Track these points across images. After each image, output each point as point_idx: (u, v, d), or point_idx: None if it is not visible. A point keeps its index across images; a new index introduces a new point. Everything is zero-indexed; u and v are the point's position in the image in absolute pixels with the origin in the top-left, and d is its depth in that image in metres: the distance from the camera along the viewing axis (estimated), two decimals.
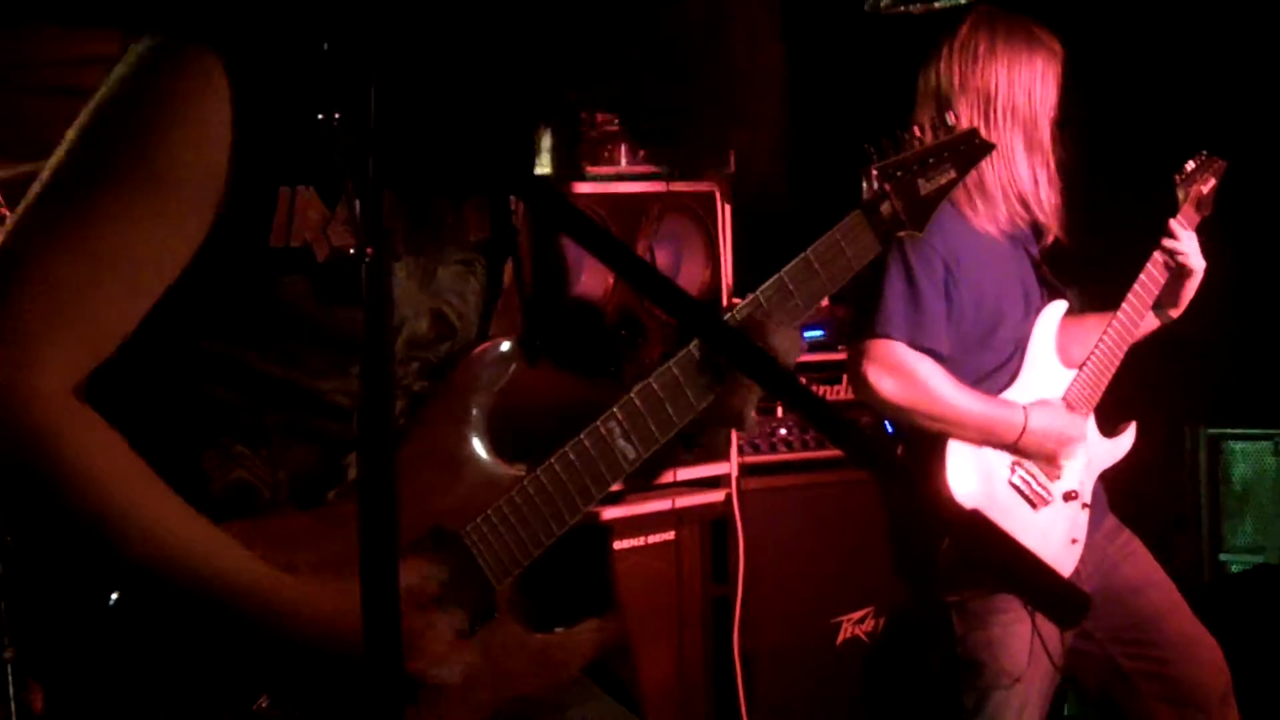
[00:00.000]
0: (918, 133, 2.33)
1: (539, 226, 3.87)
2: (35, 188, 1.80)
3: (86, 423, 1.77)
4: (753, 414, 2.14)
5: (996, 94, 3.45)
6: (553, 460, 2.02)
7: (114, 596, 1.81)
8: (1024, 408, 3.43)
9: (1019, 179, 3.48)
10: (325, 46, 1.72)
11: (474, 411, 2.04)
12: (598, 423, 2.03)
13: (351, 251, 1.89)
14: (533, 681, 2.06)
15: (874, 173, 2.24)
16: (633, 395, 2.05)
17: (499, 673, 2.02)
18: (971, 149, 2.37)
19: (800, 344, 2.10)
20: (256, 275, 1.86)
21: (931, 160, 2.31)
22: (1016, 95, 3.46)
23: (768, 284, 2.12)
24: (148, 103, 1.80)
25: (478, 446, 2.03)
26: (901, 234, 2.25)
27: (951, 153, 2.34)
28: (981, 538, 1.38)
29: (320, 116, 1.82)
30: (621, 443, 2.04)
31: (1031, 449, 3.44)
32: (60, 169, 1.80)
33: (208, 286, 1.84)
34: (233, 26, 1.82)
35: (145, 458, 1.80)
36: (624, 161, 4.20)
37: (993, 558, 1.35)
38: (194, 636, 1.82)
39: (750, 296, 2.12)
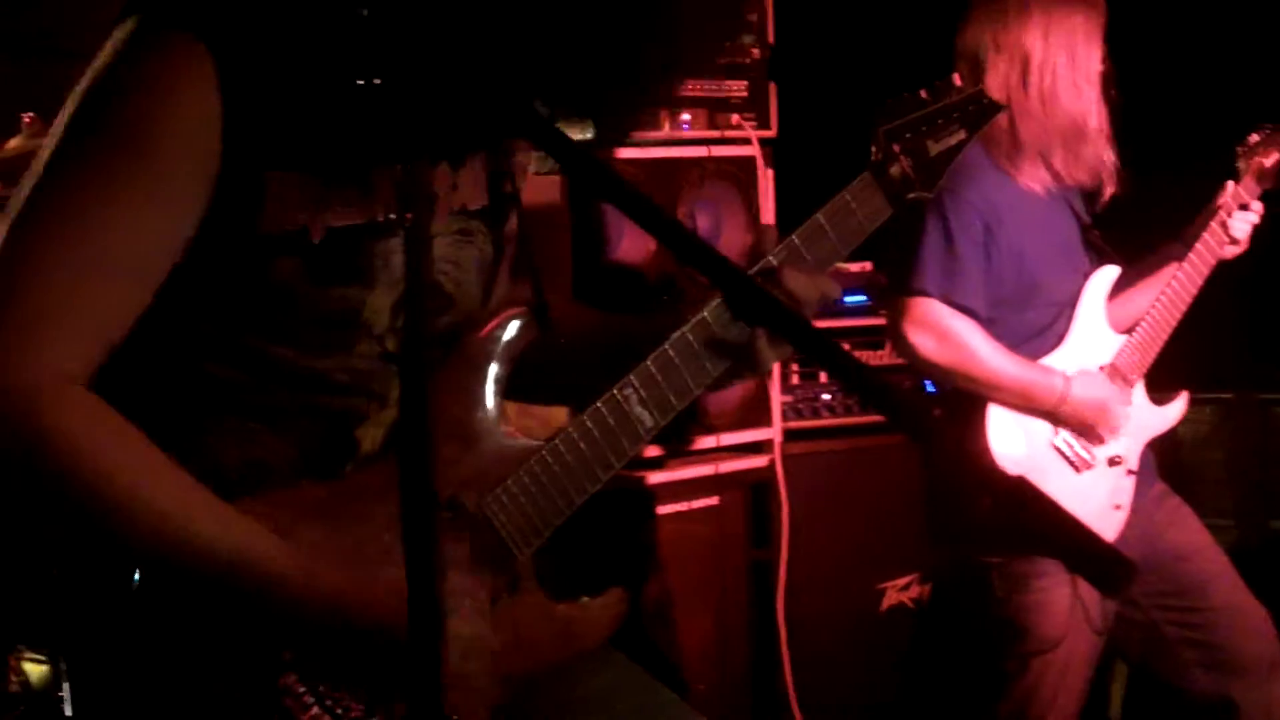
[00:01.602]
0: (924, 94, 2.30)
1: (578, 192, 3.87)
2: (28, 181, 1.79)
3: (93, 414, 1.76)
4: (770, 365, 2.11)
5: (1033, 53, 3.42)
6: (570, 429, 2.01)
7: (136, 577, 1.81)
8: (1065, 376, 3.41)
9: (1062, 138, 3.44)
10: (364, 13, 1.70)
11: (488, 384, 2.03)
12: (614, 390, 2.02)
13: (374, 223, 1.88)
14: (556, 652, 2.06)
15: (881, 134, 2.22)
16: (649, 362, 2.03)
17: (521, 643, 2.02)
18: (980, 109, 2.35)
19: (821, 287, 2.07)
20: (249, 259, 1.85)
21: (940, 121, 2.28)
22: (1055, 54, 3.43)
23: (780, 246, 2.11)
24: (134, 91, 1.78)
25: (493, 419, 2.02)
26: (911, 196, 2.23)
27: (960, 113, 2.32)
28: (1024, 502, 1.36)
29: (360, 82, 1.81)
30: (639, 410, 2.03)
31: (1071, 418, 3.41)
32: (51, 161, 1.79)
33: (203, 271, 1.83)
34: (219, 9, 1.80)
35: (158, 442, 1.80)
36: (666, 127, 4.18)
37: (1036, 523, 1.33)
38: (217, 615, 1.82)
39: (762, 261, 2.10)
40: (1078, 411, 3.40)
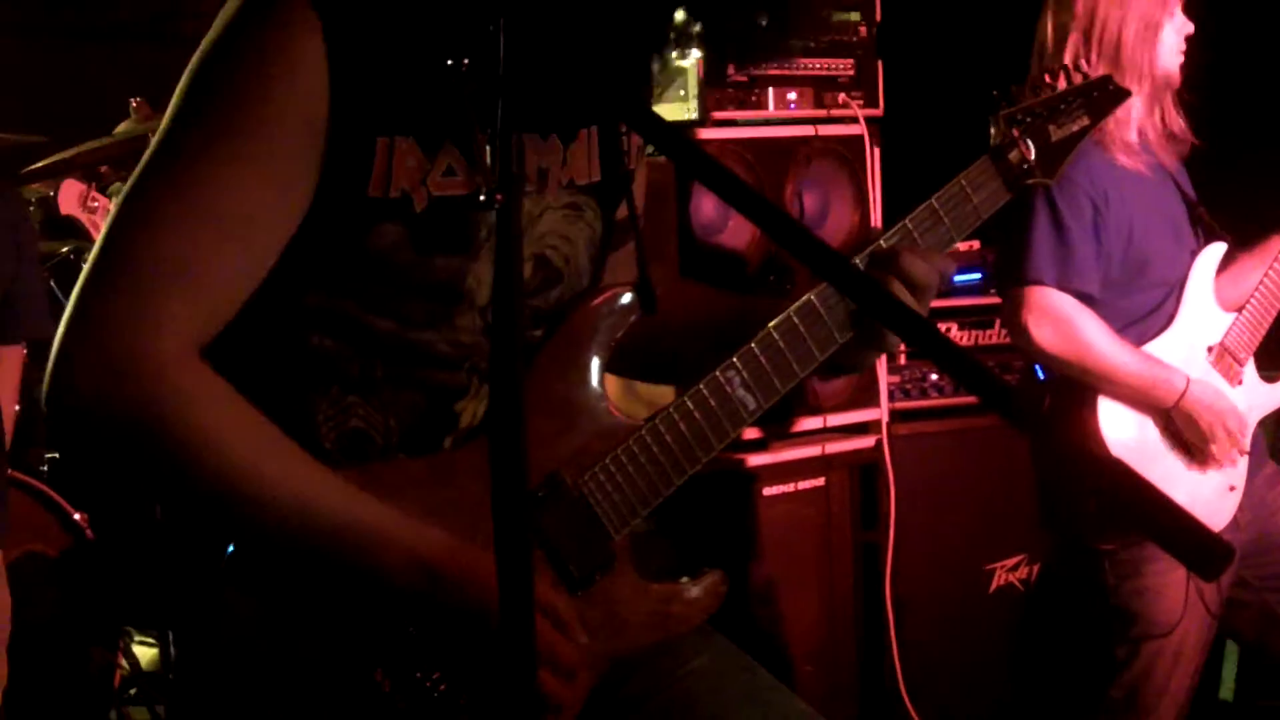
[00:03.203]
0: (1049, 79, 2.27)
1: (685, 173, 3.87)
2: (147, 152, 1.82)
3: (208, 383, 1.78)
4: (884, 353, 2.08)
5: (1099, 12, 3.36)
6: (671, 409, 2.00)
7: (229, 551, 1.84)
8: (1188, 377, 3.36)
9: (1145, 90, 3.38)
10: None
11: (592, 361, 2.02)
12: (716, 372, 2.00)
13: (477, 194, 1.89)
14: (651, 633, 2.05)
15: (1002, 118, 2.19)
16: (753, 344, 2.01)
17: (616, 624, 2.01)
18: (1105, 95, 2.31)
19: (940, 266, 2.04)
20: (354, 225, 1.86)
21: (1063, 106, 2.25)
22: (1128, 12, 3.36)
23: (892, 231, 2.08)
24: (245, 59, 1.80)
25: (595, 396, 2.02)
26: (1030, 181, 2.19)
27: (1084, 99, 2.28)
28: (1121, 485, 1.34)
29: (449, 62, 1.82)
30: (741, 392, 2.01)
31: (1184, 420, 3.36)
32: (167, 133, 1.81)
33: (309, 237, 1.85)
34: None
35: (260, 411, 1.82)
36: (771, 106, 4.17)
37: (1133, 506, 1.32)
38: (312, 588, 1.84)
39: (872, 247, 2.08)
40: (1193, 414, 3.35)
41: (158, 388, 1.74)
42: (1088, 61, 3.33)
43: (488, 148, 1.81)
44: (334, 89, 1.80)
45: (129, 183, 1.81)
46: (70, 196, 4.44)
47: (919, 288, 2.02)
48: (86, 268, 1.78)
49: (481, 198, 1.86)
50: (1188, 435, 3.38)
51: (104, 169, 4.61)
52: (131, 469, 1.83)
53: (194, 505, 1.85)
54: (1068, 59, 3.35)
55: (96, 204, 4.46)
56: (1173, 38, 3.41)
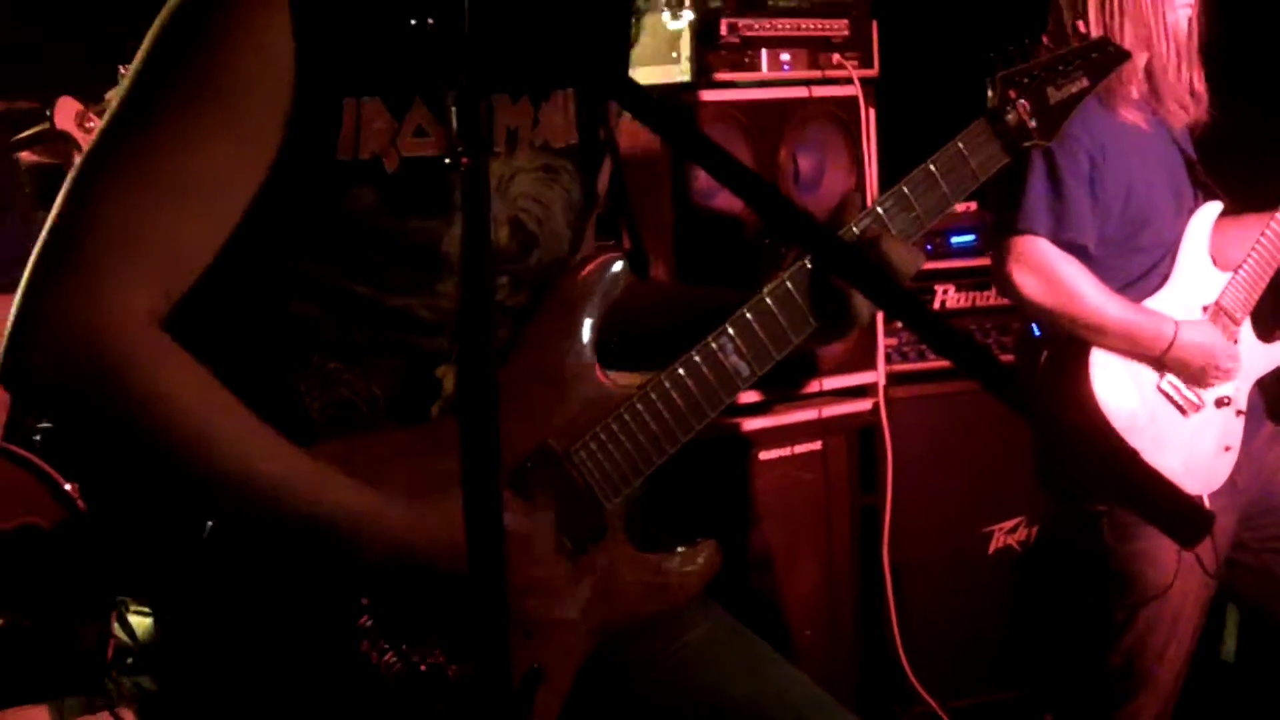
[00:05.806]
0: (1046, 40, 2.25)
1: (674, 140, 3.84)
2: (105, 117, 1.81)
3: (161, 349, 1.76)
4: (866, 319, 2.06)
5: None
6: (663, 377, 1.99)
7: (209, 525, 1.82)
8: (1175, 321, 3.34)
9: (1143, 68, 3.34)
10: None
11: (584, 328, 2.01)
12: (709, 339, 1.99)
13: (446, 157, 1.87)
14: (648, 603, 2.05)
15: (999, 80, 2.17)
16: (745, 311, 2.00)
17: (609, 594, 2.00)
18: (1105, 56, 2.29)
19: (919, 259, 2.04)
20: (325, 189, 1.84)
21: (1061, 68, 2.23)
22: None
23: (887, 195, 2.06)
24: (204, 22, 1.78)
25: (587, 363, 2.00)
26: (1028, 144, 2.17)
27: (1083, 60, 2.26)
28: (1102, 451, 1.33)
29: (413, 22, 1.80)
30: (734, 359, 2.00)
31: (1177, 365, 3.34)
32: (125, 99, 1.80)
33: (278, 203, 1.83)
34: None
35: (242, 384, 1.80)
36: (765, 68, 4.13)
37: (1112, 473, 1.30)
38: (289, 559, 1.83)
39: (869, 208, 2.06)
40: (1184, 358, 3.33)
41: (111, 353, 1.73)
42: (1106, 15, 3.30)
43: (453, 109, 1.81)
44: (299, 49, 1.78)
45: (88, 147, 1.79)
46: (67, 113, 4.38)
47: (899, 275, 2.00)
48: (43, 234, 1.76)
49: (448, 160, 1.85)
50: (1184, 375, 3.36)
51: (108, 94, 4.56)
52: (86, 433, 1.83)
53: (148, 467, 1.83)
54: (1087, 13, 3.31)
55: (92, 124, 4.40)
56: None
